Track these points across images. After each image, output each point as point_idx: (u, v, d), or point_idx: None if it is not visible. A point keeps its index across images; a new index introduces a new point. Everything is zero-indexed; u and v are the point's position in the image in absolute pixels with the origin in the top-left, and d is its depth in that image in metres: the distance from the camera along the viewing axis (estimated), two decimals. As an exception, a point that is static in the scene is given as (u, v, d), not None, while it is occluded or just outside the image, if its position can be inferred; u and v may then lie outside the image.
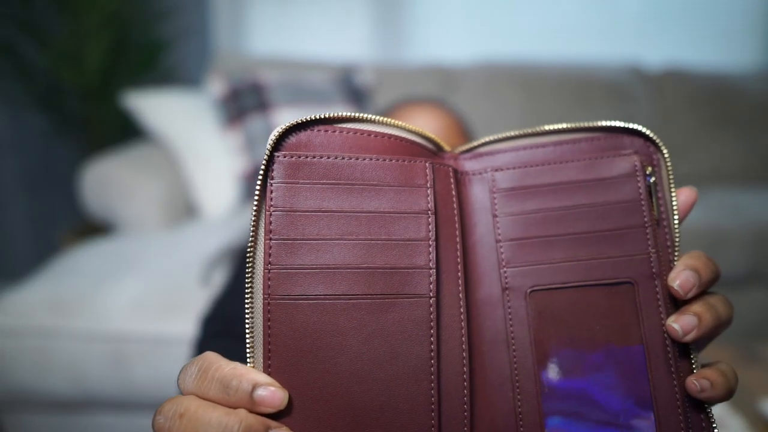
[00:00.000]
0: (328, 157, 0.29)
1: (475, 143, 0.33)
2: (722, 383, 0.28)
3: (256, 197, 0.28)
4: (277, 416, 0.27)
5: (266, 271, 0.28)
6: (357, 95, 1.76)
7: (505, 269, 0.31)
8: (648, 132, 0.31)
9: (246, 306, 0.27)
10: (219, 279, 1.10)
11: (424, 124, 0.61)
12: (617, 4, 2.27)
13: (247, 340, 0.27)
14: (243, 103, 1.61)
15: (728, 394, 0.28)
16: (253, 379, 0.26)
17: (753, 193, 1.85)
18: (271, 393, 0.25)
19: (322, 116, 0.30)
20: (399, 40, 2.25)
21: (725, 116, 2.02)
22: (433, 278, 0.29)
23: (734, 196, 1.79)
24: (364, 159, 0.29)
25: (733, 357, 0.93)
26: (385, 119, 0.31)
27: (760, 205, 1.69)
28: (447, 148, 0.33)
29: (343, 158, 0.29)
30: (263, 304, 0.28)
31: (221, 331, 0.63)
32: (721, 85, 2.06)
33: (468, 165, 0.33)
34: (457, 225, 0.31)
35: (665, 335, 0.29)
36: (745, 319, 1.58)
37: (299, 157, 0.29)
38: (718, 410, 0.75)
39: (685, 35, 2.30)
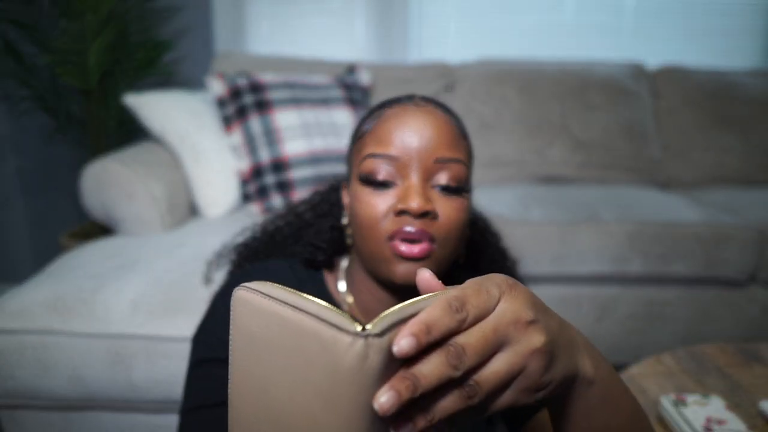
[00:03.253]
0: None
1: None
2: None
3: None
4: None
5: None
6: (356, 95, 1.76)
7: None
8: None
9: None
10: (220, 278, 1.11)
11: (415, 129, 0.59)
12: (617, 4, 2.27)
13: None
14: (243, 103, 1.61)
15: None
16: None
17: (753, 193, 1.85)
18: None
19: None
20: (399, 40, 2.25)
21: (724, 115, 2.02)
22: None
23: (734, 197, 1.79)
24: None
25: (733, 357, 0.93)
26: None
27: (759, 205, 1.69)
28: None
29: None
30: None
31: (211, 358, 0.63)
32: (720, 85, 2.06)
33: None
34: None
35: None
36: (745, 319, 1.58)
37: None
38: (717, 410, 0.75)
39: (685, 35, 2.30)
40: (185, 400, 0.63)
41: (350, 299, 0.68)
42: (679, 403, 0.77)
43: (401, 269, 0.58)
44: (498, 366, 0.32)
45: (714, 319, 1.57)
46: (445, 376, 0.29)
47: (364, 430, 0.29)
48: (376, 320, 0.28)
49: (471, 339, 0.31)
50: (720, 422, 0.72)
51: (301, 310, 0.29)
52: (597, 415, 0.40)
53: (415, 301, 0.31)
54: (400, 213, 0.57)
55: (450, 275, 0.68)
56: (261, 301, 0.30)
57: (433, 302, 0.31)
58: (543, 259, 1.51)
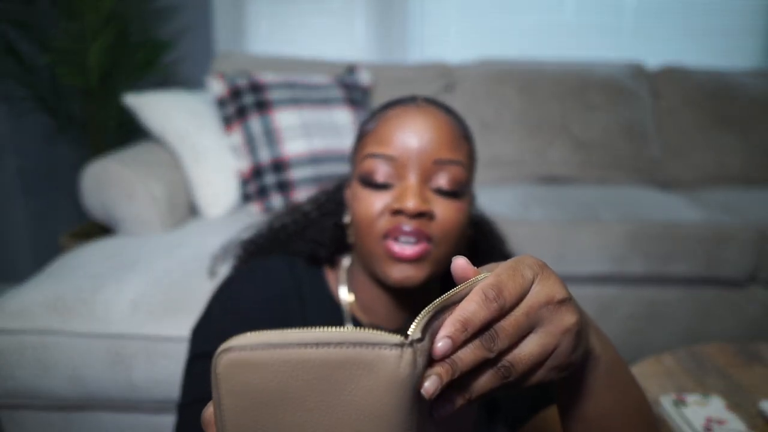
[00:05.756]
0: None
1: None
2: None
3: None
4: None
5: None
6: (356, 95, 1.76)
7: None
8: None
9: None
10: (224, 271, 1.10)
11: (415, 130, 0.58)
12: (617, 4, 2.27)
13: None
14: (243, 103, 1.61)
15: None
16: None
17: (753, 193, 1.85)
18: None
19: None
20: (399, 40, 2.25)
21: (724, 115, 2.02)
22: None
23: (734, 197, 1.79)
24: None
25: (734, 357, 0.93)
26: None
27: (760, 205, 1.69)
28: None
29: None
30: None
31: (210, 352, 0.62)
32: (720, 85, 2.06)
33: None
34: None
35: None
36: (745, 319, 1.58)
37: None
38: (717, 410, 0.75)
39: (685, 35, 2.30)
40: (183, 395, 0.63)
41: (351, 298, 0.68)
42: (679, 403, 0.77)
43: (396, 272, 0.58)
44: (532, 347, 0.33)
45: (714, 319, 1.57)
46: (480, 357, 0.31)
47: (415, 424, 0.29)
48: (417, 321, 0.29)
49: (504, 322, 0.32)
50: (720, 422, 0.72)
51: (322, 344, 0.27)
52: (603, 394, 0.41)
53: (451, 294, 0.31)
54: (396, 212, 0.57)
55: (450, 276, 0.68)
56: (266, 355, 0.27)
57: (469, 294, 0.31)
58: (543, 259, 1.51)
